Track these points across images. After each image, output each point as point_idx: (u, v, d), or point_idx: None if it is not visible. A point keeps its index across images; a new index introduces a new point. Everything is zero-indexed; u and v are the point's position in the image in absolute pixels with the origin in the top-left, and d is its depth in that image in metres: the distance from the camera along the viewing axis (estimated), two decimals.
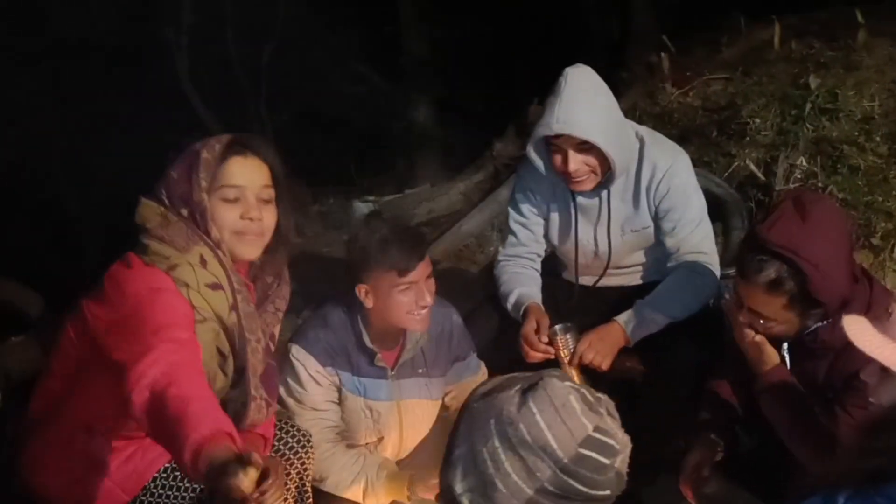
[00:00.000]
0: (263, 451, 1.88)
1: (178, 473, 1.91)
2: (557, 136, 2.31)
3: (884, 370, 1.80)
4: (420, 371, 2.35)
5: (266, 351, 1.92)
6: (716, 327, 2.39)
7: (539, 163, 2.46)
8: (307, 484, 2.14)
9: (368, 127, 7.04)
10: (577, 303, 2.63)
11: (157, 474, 1.91)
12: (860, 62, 3.72)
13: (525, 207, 2.64)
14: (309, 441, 2.15)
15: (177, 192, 1.84)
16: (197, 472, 1.45)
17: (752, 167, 3.51)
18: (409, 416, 2.35)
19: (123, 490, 1.90)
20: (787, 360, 2.04)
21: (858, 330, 1.38)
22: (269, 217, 1.89)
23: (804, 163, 3.36)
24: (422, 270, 2.18)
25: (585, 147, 2.32)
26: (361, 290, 2.20)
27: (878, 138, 3.27)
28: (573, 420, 1.10)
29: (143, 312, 1.72)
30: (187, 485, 1.90)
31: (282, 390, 2.25)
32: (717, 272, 2.45)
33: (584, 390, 1.14)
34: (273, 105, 7.06)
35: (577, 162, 2.35)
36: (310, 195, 5.92)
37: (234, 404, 1.85)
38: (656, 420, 2.34)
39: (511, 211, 2.69)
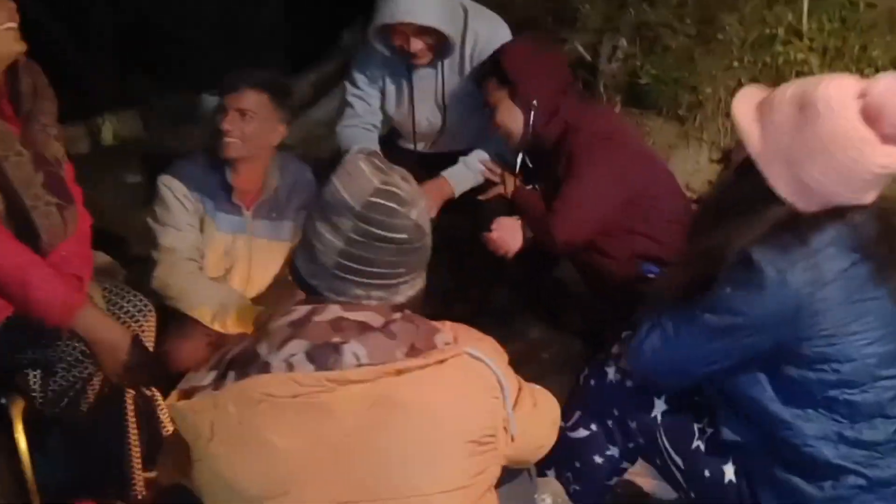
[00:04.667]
0: (80, 291, 1.92)
1: (16, 327, 1.91)
2: (399, 23, 2.50)
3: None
4: (273, 215, 2.51)
5: (37, 160, 1.92)
6: None
7: (382, 47, 2.64)
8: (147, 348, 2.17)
9: (214, 23, 6.83)
10: (415, 167, 2.82)
11: None
12: None
13: (362, 81, 2.80)
14: (148, 308, 2.22)
15: None
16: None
17: (581, 50, 3.75)
18: (259, 253, 2.51)
19: None
20: (525, 165, 2.58)
21: (744, 98, 1.58)
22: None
23: (625, 44, 3.62)
24: (232, 100, 2.37)
25: (424, 29, 2.52)
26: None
27: (688, 21, 3.53)
28: (362, 178, 1.27)
29: None
30: (28, 338, 1.94)
31: (148, 219, 2.44)
32: None
33: (375, 159, 1.31)
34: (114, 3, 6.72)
35: (417, 44, 2.56)
36: (155, 89, 5.78)
37: (21, 219, 1.89)
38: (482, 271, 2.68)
39: (348, 85, 2.85)
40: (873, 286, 1.52)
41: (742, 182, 1.55)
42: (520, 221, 2.48)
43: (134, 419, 2.10)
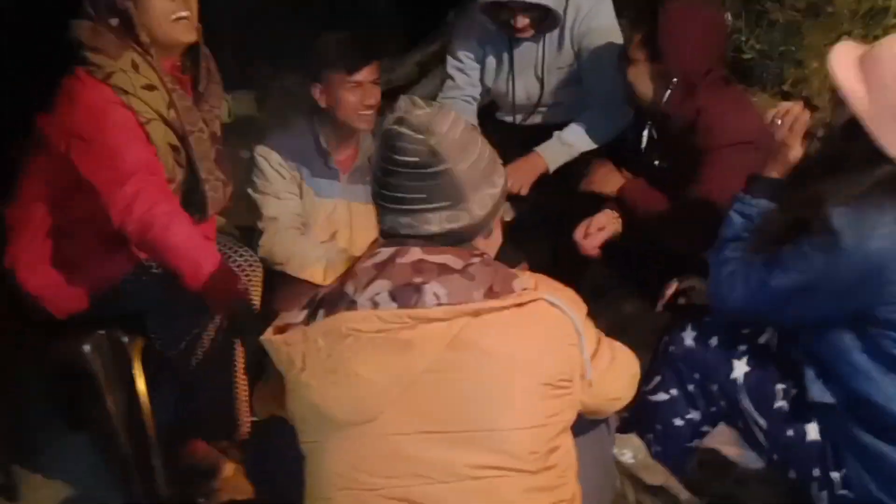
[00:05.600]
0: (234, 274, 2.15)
1: (145, 274, 2.14)
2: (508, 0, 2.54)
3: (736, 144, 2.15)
4: (367, 178, 2.56)
5: (212, 138, 2.14)
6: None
7: (487, 20, 2.68)
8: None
9: (328, 6, 7.04)
10: (511, 139, 2.87)
11: (126, 275, 2.13)
12: None
13: (462, 54, 2.87)
14: (256, 262, 2.38)
15: (102, 4, 1.97)
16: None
17: None
18: (358, 216, 2.59)
19: (97, 289, 2.13)
20: (652, 137, 2.41)
21: (845, 54, 1.56)
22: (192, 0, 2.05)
23: (731, 19, 3.56)
24: (368, 73, 2.41)
25: (531, 5, 2.55)
26: (316, 90, 2.42)
27: None
28: (394, 110, 1.38)
29: (99, 129, 1.92)
30: (154, 284, 2.13)
31: (249, 190, 2.54)
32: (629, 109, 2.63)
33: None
34: None
35: (523, 20, 2.60)
36: (270, 71, 6.03)
37: (194, 190, 2.09)
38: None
39: (449, 58, 2.92)
40: None
41: (848, 142, 1.53)
42: (614, 216, 2.43)
43: (243, 366, 2.25)
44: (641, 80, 2.31)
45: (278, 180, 2.52)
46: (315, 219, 2.58)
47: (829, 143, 1.64)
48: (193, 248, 1.96)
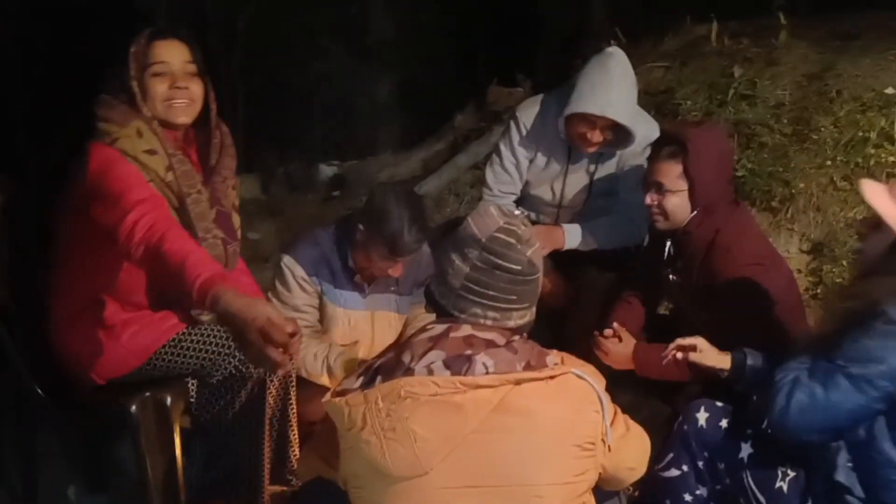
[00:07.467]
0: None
1: (184, 343, 2.28)
2: (600, 115, 2.68)
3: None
4: (392, 289, 2.74)
5: (213, 200, 2.28)
6: (623, 259, 2.89)
7: (563, 129, 2.81)
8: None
9: (333, 100, 7.37)
10: None
11: (165, 344, 2.27)
12: (779, 59, 4.20)
13: (520, 153, 2.97)
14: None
15: (116, 81, 2.20)
16: (206, 306, 1.84)
17: None
18: (380, 325, 2.73)
19: (136, 357, 2.26)
20: (669, 253, 2.55)
21: (875, 191, 1.86)
22: (195, 87, 2.25)
23: None
24: (407, 262, 2.56)
25: (614, 124, 2.70)
26: (361, 231, 2.55)
27: (784, 121, 3.77)
28: (490, 218, 1.57)
29: (106, 182, 2.09)
30: (192, 353, 2.27)
31: (269, 294, 2.64)
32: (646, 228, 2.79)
33: (503, 207, 1.60)
34: (245, 72, 7.33)
35: (599, 136, 2.75)
36: (276, 157, 6.28)
37: None
38: (580, 332, 2.78)
39: (504, 156, 2.99)
40: None
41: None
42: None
43: (269, 434, 2.36)
44: (682, 208, 2.45)
45: (300, 294, 2.65)
46: (338, 328, 2.69)
47: (879, 258, 1.89)
48: (190, 254, 1.94)
